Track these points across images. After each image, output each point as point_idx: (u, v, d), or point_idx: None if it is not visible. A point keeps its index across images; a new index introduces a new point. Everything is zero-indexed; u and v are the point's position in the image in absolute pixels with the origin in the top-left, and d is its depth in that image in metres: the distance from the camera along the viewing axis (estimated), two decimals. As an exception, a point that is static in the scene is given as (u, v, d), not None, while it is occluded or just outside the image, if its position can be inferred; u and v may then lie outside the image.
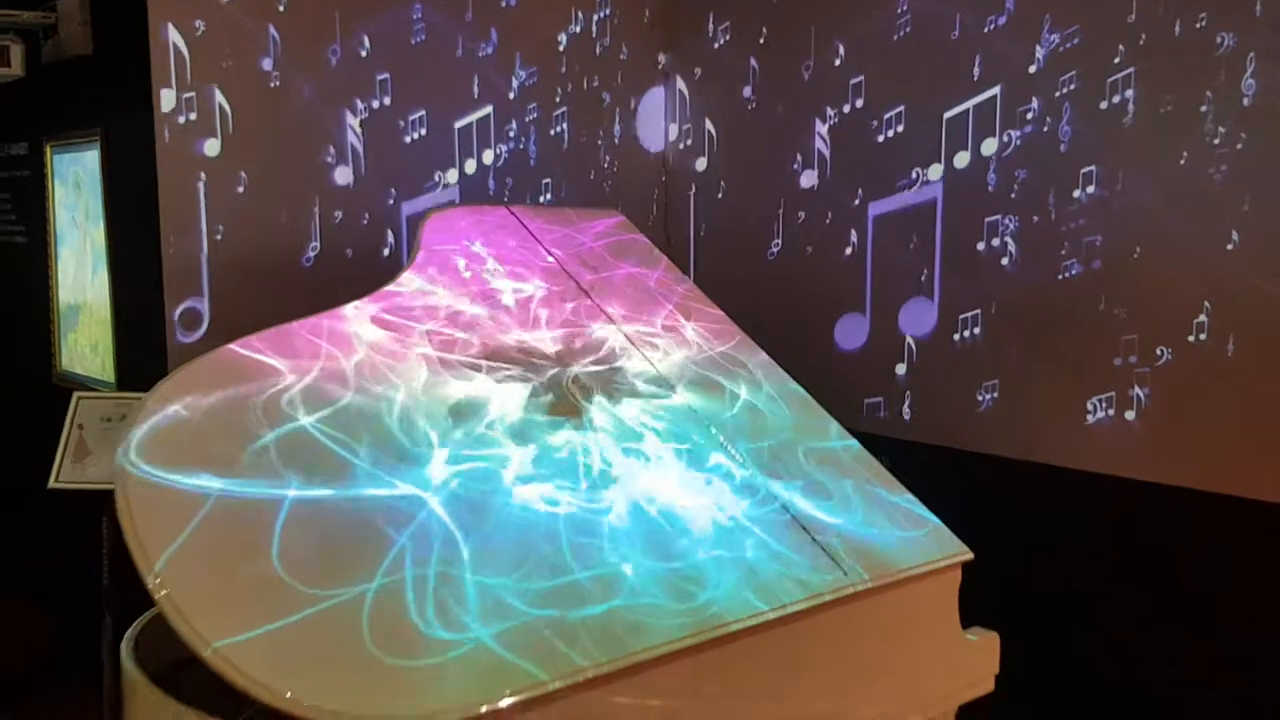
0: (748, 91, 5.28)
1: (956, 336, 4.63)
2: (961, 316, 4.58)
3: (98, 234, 4.62)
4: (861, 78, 4.83)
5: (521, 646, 2.37)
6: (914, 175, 4.71)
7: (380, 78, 4.54)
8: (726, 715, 2.73)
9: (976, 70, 4.46)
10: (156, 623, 2.68)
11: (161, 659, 2.52)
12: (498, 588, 2.50)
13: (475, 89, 4.86)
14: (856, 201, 4.86)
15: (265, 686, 2.09)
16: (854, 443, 3.56)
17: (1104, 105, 4.10)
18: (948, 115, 4.53)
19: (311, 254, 4.43)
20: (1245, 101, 3.71)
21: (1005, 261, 4.43)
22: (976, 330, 4.56)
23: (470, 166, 4.91)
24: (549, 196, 5.23)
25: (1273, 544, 3.68)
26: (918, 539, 3.21)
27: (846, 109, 4.91)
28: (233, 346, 2.90)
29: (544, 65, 5.10)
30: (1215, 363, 3.80)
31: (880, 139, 4.79)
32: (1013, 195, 4.37)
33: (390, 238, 4.62)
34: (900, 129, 4.74)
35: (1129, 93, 4.02)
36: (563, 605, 2.52)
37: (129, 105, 4.22)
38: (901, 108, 4.72)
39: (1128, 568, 4.07)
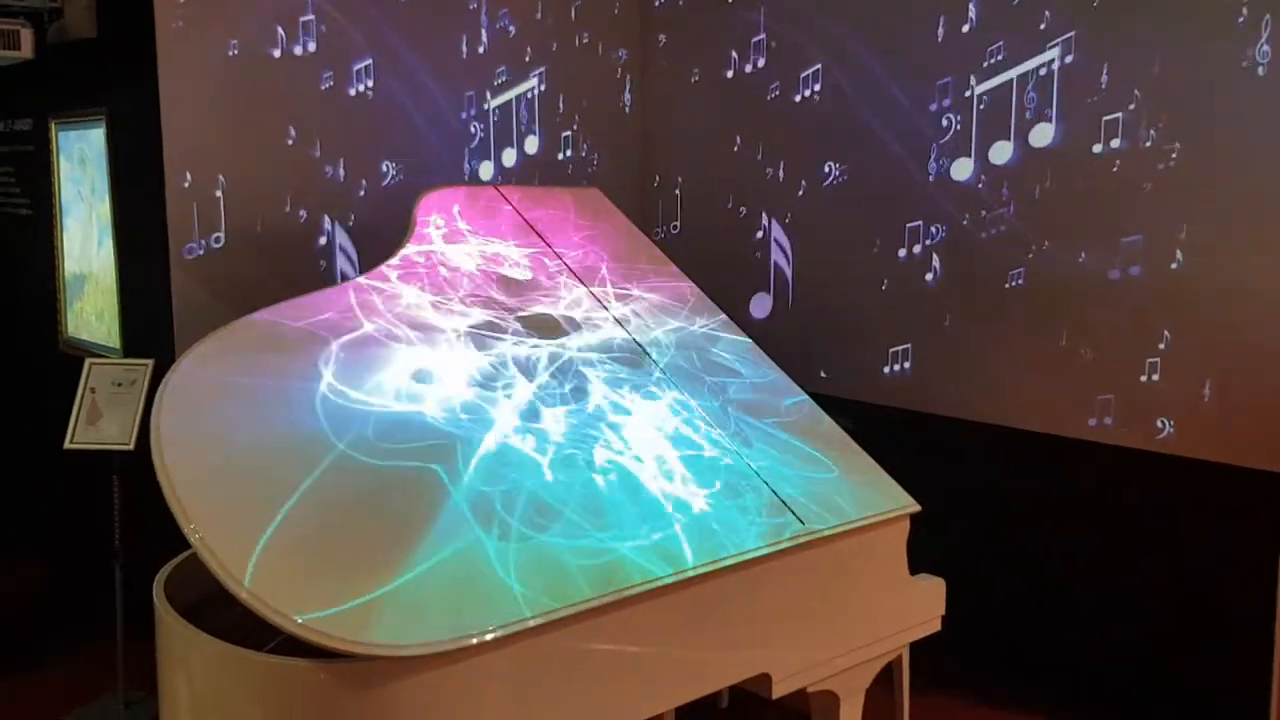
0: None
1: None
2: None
3: (103, 208, 4.85)
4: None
5: (506, 584, 2.67)
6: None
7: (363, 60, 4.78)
8: (688, 659, 3.02)
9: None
10: (176, 571, 2.97)
11: (186, 601, 2.81)
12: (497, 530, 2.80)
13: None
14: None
15: (281, 613, 2.38)
16: (811, 403, 3.85)
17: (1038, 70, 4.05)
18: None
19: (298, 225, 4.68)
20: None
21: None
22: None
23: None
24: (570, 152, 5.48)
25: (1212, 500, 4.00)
26: (870, 492, 3.52)
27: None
28: (250, 317, 3.19)
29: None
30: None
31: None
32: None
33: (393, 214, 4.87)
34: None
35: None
36: (539, 550, 2.82)
37: (133, 86, 4.44)
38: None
39: (1068, 522, 4.38)
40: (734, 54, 5.26)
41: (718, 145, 5.34)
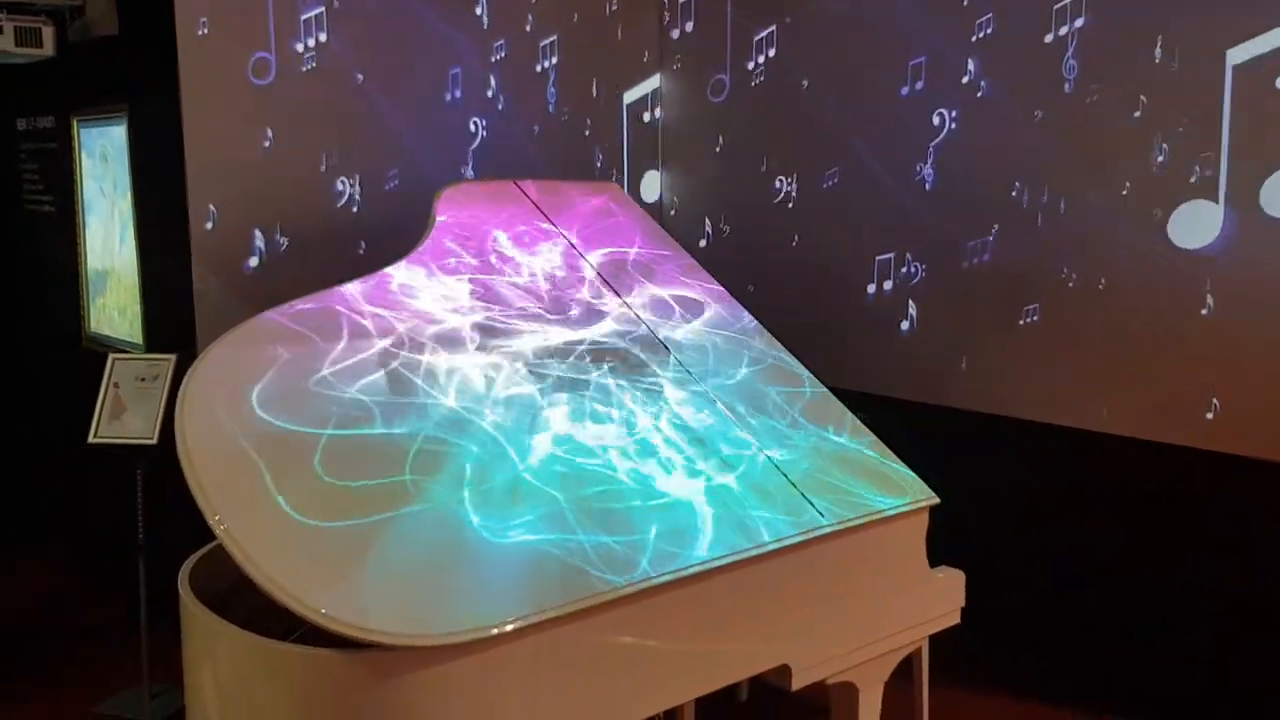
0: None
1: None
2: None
3: (125, 204, 4.89)
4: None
5: (530, 574, 2.69)
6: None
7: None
8: (707, 651, 3.03)
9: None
10: (201, 563, 3.00)
11: (210, 593, 2.83)
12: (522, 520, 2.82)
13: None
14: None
15: (305, 604, 2.41)
16: (829, 395, 3.85)
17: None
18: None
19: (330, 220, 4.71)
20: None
21: (905, 325, 3.75)
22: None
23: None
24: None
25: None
26: (889, 485, 3.52)
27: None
28: (273, 311, 3.21)
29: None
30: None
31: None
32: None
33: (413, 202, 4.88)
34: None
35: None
36: (560, 542, 2.84)
37: (155, 83, 4.47)
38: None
39: (1087, 515, 4.37)
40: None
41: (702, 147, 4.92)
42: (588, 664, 2.76)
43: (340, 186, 4.72)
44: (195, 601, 2.70)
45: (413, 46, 4.86)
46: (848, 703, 3.49)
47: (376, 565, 2.60)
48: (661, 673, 2.93)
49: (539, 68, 5.06)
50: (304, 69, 4.58)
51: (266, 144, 4.51)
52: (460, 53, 4.92)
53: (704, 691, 3.05)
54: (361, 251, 4.75)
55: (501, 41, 4.95)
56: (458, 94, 4.95)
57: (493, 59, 4.90)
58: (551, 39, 5.03)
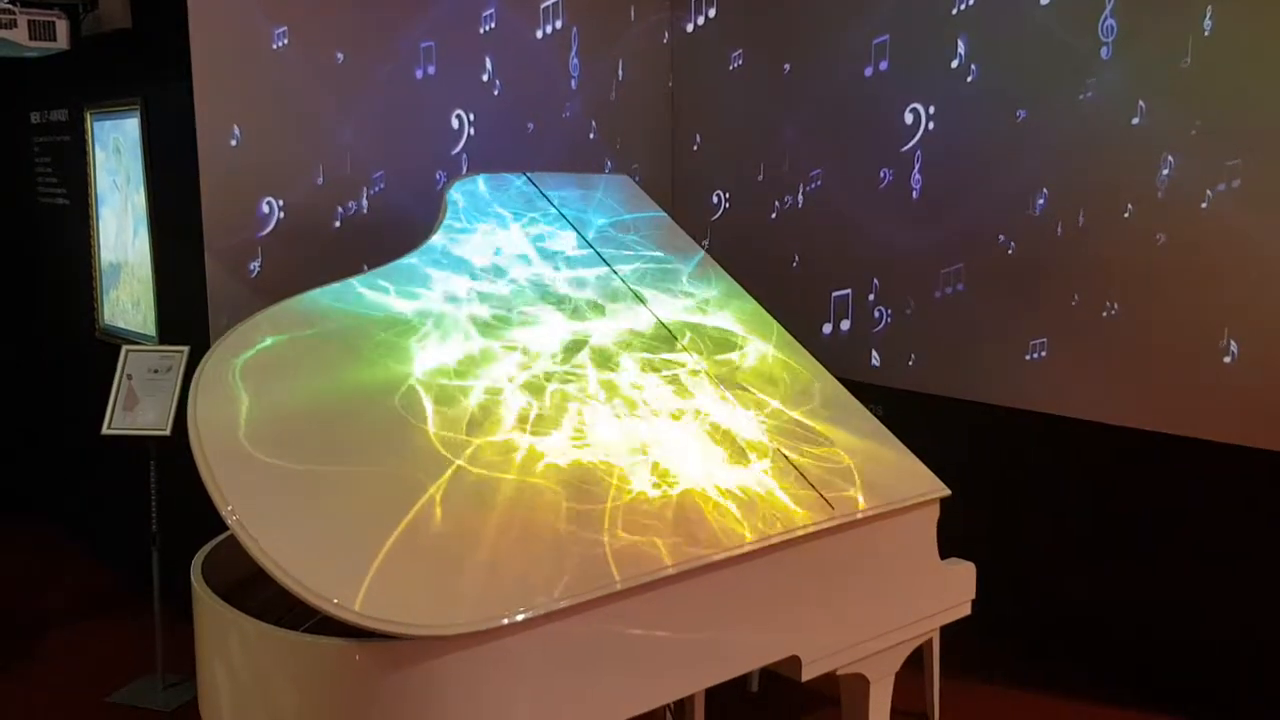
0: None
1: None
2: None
3: (138, 197, 4.91)
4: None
5: (541, 564, 2.70)
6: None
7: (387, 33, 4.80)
8: (717, 642, 3.04)
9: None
10: (214, 553, 3.01)
11: (223, 583, 2.85)
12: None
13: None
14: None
15: (318, 593, 2.42)
16: (841, 387, 3.85)
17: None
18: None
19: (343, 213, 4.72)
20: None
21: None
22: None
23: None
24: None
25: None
26: (900, 476, 3.52)
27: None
28: (287, 301, 3.23)
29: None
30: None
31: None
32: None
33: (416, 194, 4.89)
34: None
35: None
36: (580, 528, 2.84)
37: (168, 76, 4.48)
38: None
39: (1095, 507, 4.36)
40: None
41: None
42: (599, 654, 2.77)
43: (338, 183, 4.73)
44: (208, 591, 2.72)
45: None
46: (858, 694, 3.49)
47: (389, 554, 2.61)
48: (672, 663, 2.93)
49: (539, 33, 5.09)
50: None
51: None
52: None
53: (713, 682, 3.06)
54: (366, 249, 4.75)
55: (490, 11, 5.01)
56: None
57: (482, 29, 4.96)
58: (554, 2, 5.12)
